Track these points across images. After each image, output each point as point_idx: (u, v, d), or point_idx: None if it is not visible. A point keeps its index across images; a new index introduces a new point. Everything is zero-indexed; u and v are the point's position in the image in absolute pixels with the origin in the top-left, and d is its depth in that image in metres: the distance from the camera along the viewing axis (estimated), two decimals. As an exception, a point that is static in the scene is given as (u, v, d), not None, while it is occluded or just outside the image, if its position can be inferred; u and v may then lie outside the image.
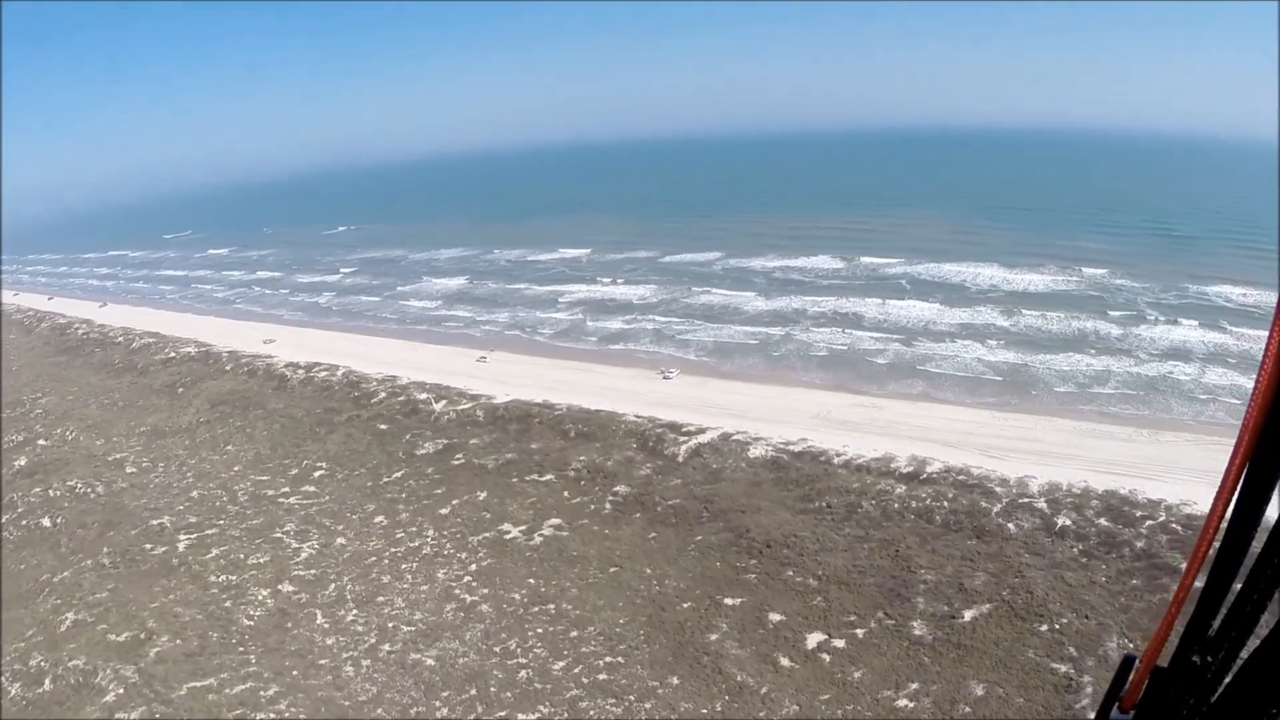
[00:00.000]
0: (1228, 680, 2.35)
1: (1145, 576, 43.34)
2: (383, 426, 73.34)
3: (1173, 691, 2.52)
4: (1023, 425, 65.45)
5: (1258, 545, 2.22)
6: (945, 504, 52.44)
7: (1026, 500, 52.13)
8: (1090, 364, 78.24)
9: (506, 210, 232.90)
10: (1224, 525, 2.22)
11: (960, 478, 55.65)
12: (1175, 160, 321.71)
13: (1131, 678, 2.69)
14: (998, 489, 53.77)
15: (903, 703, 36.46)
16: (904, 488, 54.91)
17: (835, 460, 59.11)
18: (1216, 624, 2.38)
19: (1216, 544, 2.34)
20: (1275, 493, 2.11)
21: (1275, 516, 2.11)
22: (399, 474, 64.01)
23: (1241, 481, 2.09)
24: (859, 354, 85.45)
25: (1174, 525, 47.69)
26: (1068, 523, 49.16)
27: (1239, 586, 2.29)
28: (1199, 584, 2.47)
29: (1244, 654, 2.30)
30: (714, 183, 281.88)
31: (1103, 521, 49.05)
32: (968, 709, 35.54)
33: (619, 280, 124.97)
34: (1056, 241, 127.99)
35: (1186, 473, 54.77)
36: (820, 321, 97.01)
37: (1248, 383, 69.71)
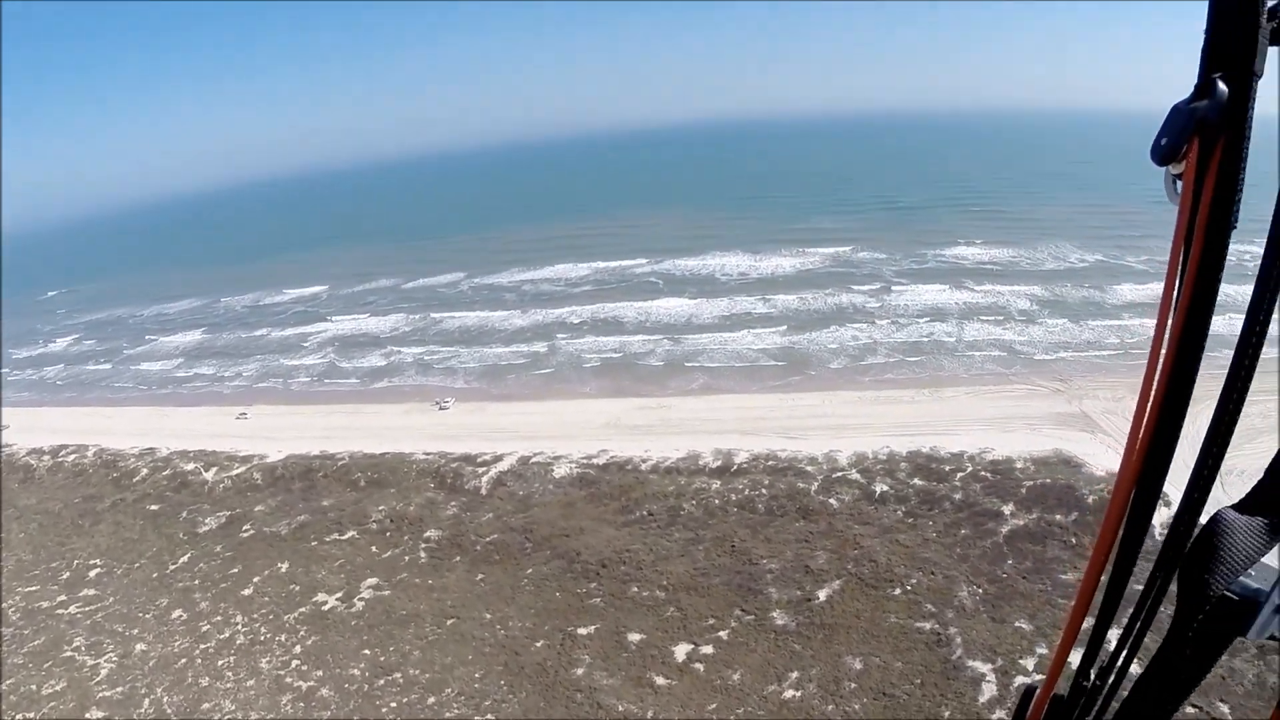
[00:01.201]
0: (1119, 703, 2.63)
1: (972, 525, 47.81)
2: (154, 507, 66.00)
3: (1069, 717, 2.82)
4: (811, 403, 69.95)
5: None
6: (764, 491, 54.93)
7: (840, 474, 55.80)
8: (855, 336, 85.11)
9: (229, 252, 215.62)
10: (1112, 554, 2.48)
11: (770, 463, 58.57)
12: (905, 136, 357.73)
13: (1032, 706, 2.96)
14: (809, 468, 57.13)
15: (789, 694, 37.69)
16: (719, 483, 56.89)
17: (643, 467, 60.14)
18: (1106, 651, 2.67)
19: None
20: (1155, 524, 2.49)
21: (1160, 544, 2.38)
22: (185, 558, 57.82)
23: (1126, 516, 2.37)
24: (631, 357, 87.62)
25: (983, 473, 53.05)
26: (885, 488, 53.17)
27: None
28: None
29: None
30: (437, 201, 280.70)
31: (917, 481, 53.51)
32: (853, 684, 37.40)
33: (364, 314, 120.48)
34: (795, 225, 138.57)
35: (975, 422, 61.16)
36: (582, 330, 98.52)
37: (1004, 333, 78.98)
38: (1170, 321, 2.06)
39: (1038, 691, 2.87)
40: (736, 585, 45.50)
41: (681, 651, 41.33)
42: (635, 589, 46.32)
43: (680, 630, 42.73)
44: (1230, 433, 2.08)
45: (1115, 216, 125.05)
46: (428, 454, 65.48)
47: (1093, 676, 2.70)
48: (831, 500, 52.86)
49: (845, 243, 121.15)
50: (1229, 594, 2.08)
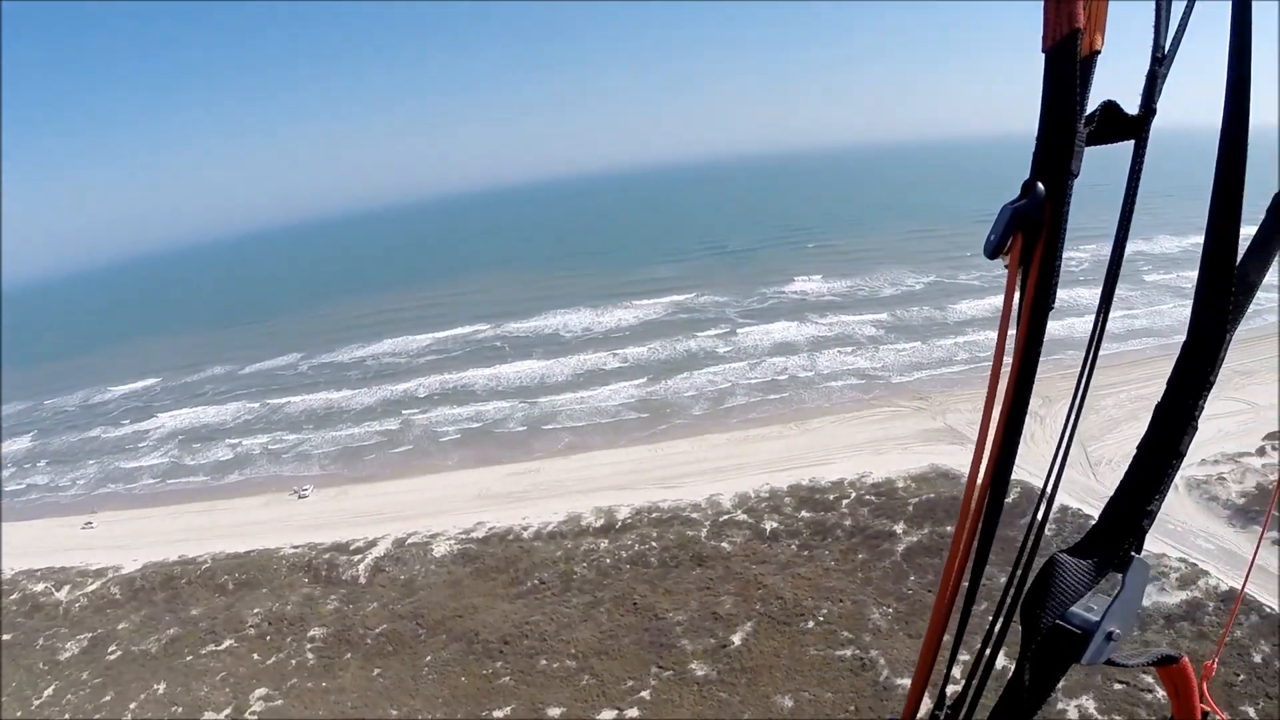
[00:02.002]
0: None
1: (868, 548, 49.34)
2: (6, 637, 58.27)
3: None
4: (682, 450, 70.77)
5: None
6: (654, 544, 54.87)
7: (726, 516, 56.53)
8: (712, 380, 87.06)
9: (47, 347, 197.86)
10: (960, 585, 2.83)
11: (654, 515, 58.72)
12: (721, 182, 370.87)
13: None
14: (694, 515, 57.62)
15: (726, 744, 37.35)
16: (606, 541, 56.48)
17: (525, 535, 59.04)
18: (959, 680, 2.93)
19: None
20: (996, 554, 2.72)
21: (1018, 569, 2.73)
22: (50, 691, 51.45)
23: (975, 546, 2.76)
24: (490, 424, 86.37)
25: (867, 497, 54.98)
26: (775, 525, 54.18)
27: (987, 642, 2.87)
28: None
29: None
30: (261, 278, 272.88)
31: (804, 514, 54.82)
32: (789, 724, 37.42)
33: (201, 405, 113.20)
34: (631, 276, 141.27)
35: (847, 449, 63.51)
36: (434, 401, 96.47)
37: (858, 360, 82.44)
38: (1001, 387, 2.40)
39: None
40: (648, 642, 45.00)
41: (607, 719, 40.44)
42: (544, 661, 45.05)
43: (600, 697, 41.76)
44: (1055, 493, 2.51)
45: (942, 239, 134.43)
46: (296, 547, 61.85)
47: (946, 706, 2.91)
48: (724, 544, 53.30)
49: (683, 290, 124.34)
50: (1063, 624, 2.37)
